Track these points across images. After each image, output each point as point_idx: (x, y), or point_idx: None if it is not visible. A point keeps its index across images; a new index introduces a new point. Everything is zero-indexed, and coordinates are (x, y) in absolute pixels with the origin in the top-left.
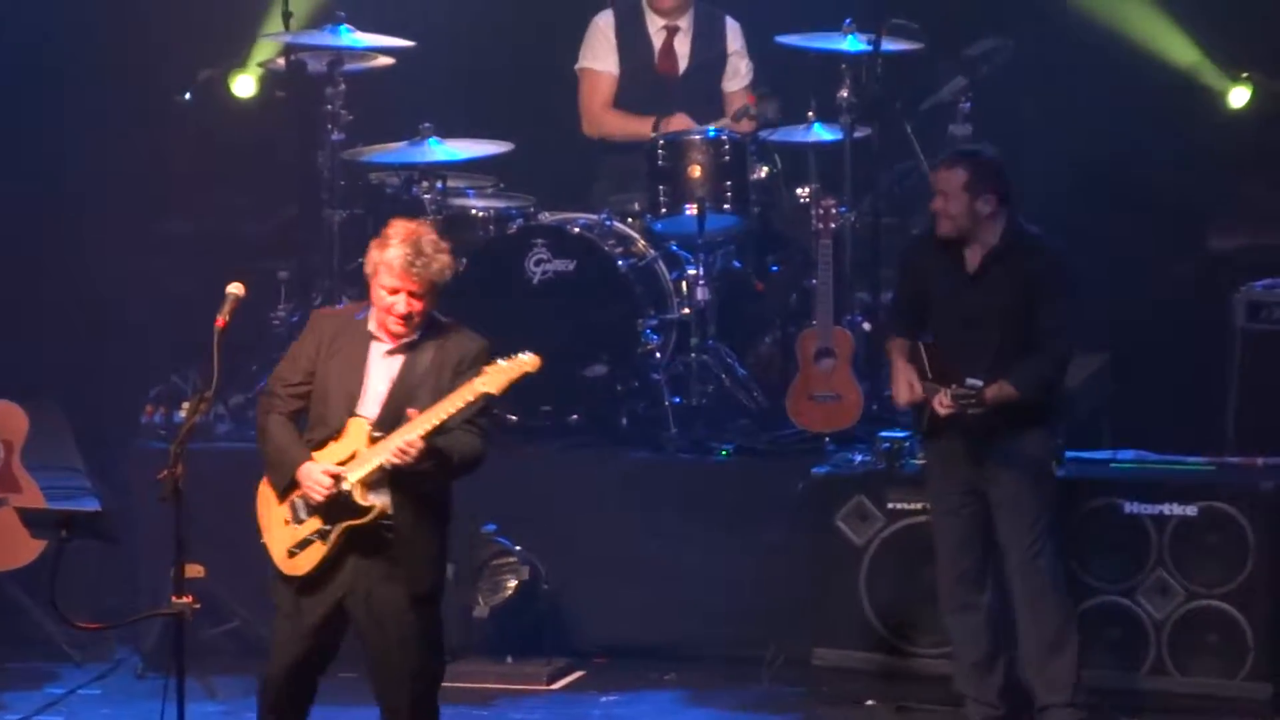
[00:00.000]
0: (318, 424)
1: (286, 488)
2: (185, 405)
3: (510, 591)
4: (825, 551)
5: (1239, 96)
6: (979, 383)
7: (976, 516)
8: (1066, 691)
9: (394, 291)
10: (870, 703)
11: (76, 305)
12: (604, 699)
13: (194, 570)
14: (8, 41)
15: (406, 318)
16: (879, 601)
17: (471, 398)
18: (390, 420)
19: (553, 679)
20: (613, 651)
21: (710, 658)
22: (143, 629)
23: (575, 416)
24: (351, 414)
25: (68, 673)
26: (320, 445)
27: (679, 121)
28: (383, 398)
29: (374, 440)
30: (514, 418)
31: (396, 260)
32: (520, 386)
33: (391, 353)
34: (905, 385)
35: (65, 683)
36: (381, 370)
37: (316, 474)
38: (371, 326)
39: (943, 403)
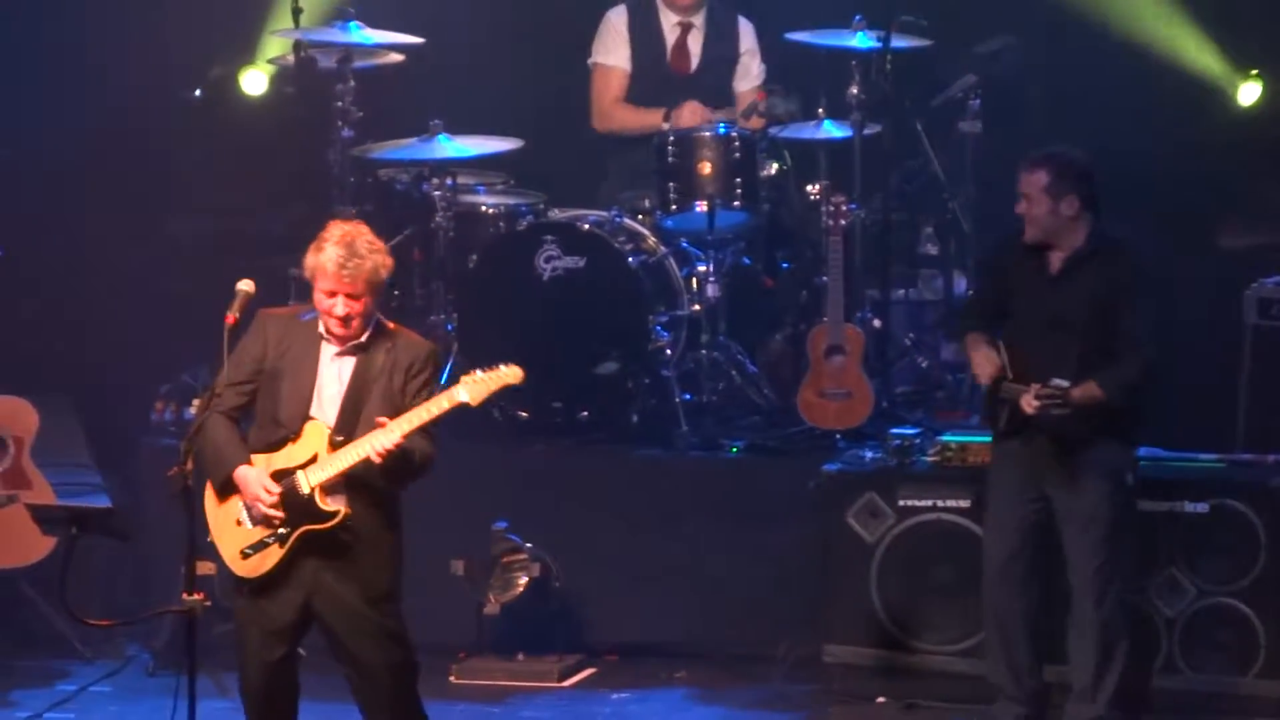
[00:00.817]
0: (268, 423)
1: (223, 486)
2: (195, 402)
3: (521, 588)
4: (836, 548)
5: (1250, 93)
6: (1065, 383)
7: (1034, 522)
8: (1103, 705)
9: (331, 295)
10: (881, 700)
11: (87, 302)
12: (615, 696)
13: (205, 567)
14: (19, 40)
15: (345, 319)
16: (890, 598)
17: (448, 405)
18: (347, 422)
19: (564, 676)
20: (624, 649)
21: (721, 655)
22: (154, 626)
23: (586, 413)
24: (306, 415)
25: (78, 670)
26: (277, 446)
27: (690, 109)
28: (338, 400)
29: (335, 445)
30: (524, 414)
31: (330, 263)
32: (531, 383)
33: (342, 354)
34: (985, 360)
35: (76, 680)
36: (333, 372)
37: (262, 484)
38: (321, 329)
39: (1030, 402)
